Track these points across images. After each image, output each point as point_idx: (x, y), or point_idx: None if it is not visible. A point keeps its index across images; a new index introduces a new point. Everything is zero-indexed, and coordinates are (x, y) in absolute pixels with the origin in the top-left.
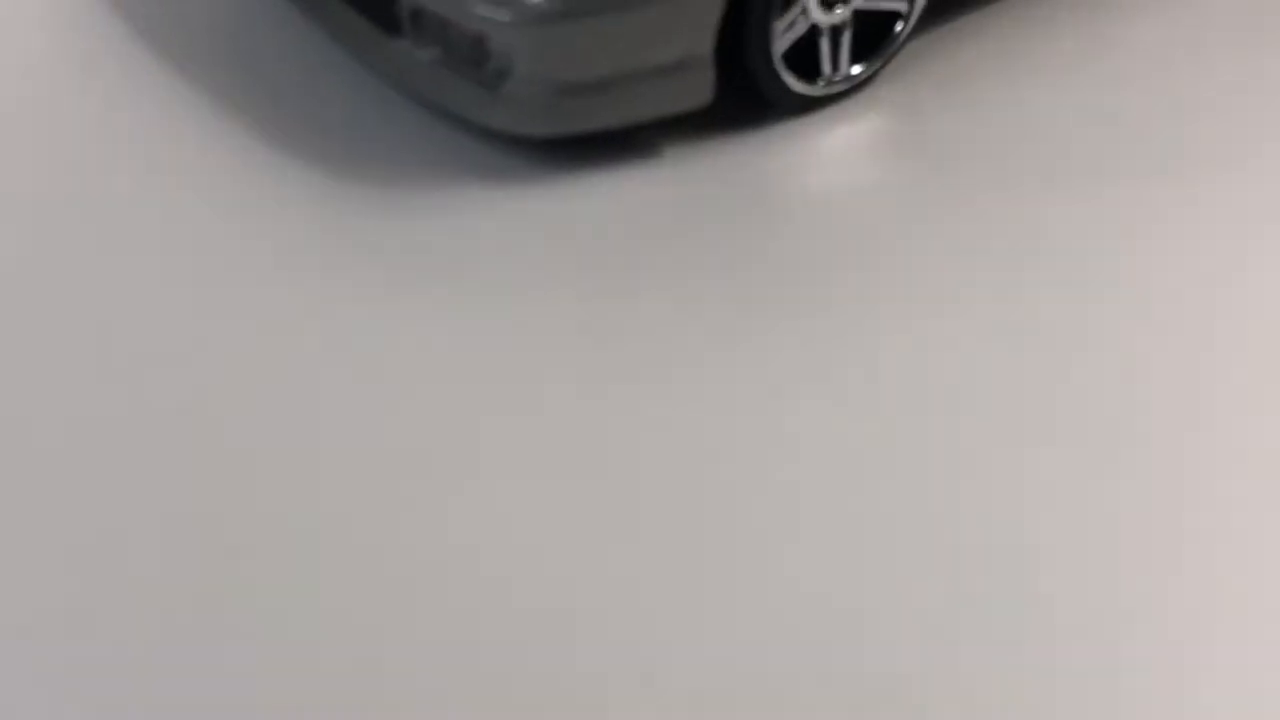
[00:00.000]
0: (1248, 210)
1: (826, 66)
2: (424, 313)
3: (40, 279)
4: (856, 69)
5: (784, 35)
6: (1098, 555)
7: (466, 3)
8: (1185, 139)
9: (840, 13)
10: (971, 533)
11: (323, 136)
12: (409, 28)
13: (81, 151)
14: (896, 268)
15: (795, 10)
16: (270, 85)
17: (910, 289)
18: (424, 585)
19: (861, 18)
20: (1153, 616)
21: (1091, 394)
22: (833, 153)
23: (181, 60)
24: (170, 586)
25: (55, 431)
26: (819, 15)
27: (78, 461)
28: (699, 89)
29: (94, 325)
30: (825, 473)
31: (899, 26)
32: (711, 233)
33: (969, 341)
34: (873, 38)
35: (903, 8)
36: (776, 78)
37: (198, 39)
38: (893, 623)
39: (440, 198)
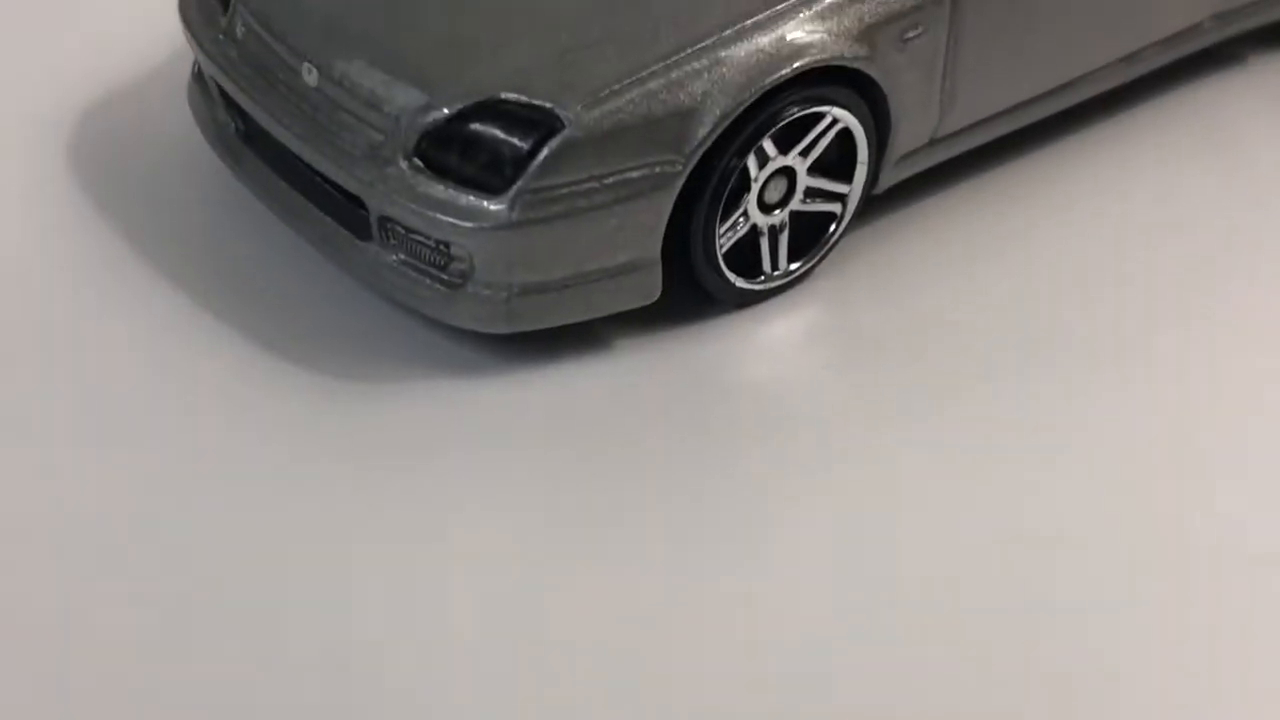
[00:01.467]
0: (1180, 389)
1: (767, 265)
2: (387, 500)
3: (24, 482)
4: (794, 265)
5: (726, 236)
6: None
7: (431, 211)
8: (1114, 324)
9: (779, 215)
10: None
11: (297, 332)
12: (377, 232)
13: (69, 355)
14: (833, 458)
15: (737, 214)
16: (249, 285)
17: (849, 480)
18: None
19: (798, 217)
20: None
21: (1037, 579)
22: (772, 345)
23: (164, 262)
24: None
25: (47, 624)
26: (759, 218)
27: (64, 651)
28: (647, 287)
29: (82, 513)
30: (765, 655)
31: (834, 226)
32: (660, 423)
33: (905, 533)
34: (809, 234)
35: (837, 209)
36: (720, 275)
37: (180, 243)
38: None
39: (406, 389)
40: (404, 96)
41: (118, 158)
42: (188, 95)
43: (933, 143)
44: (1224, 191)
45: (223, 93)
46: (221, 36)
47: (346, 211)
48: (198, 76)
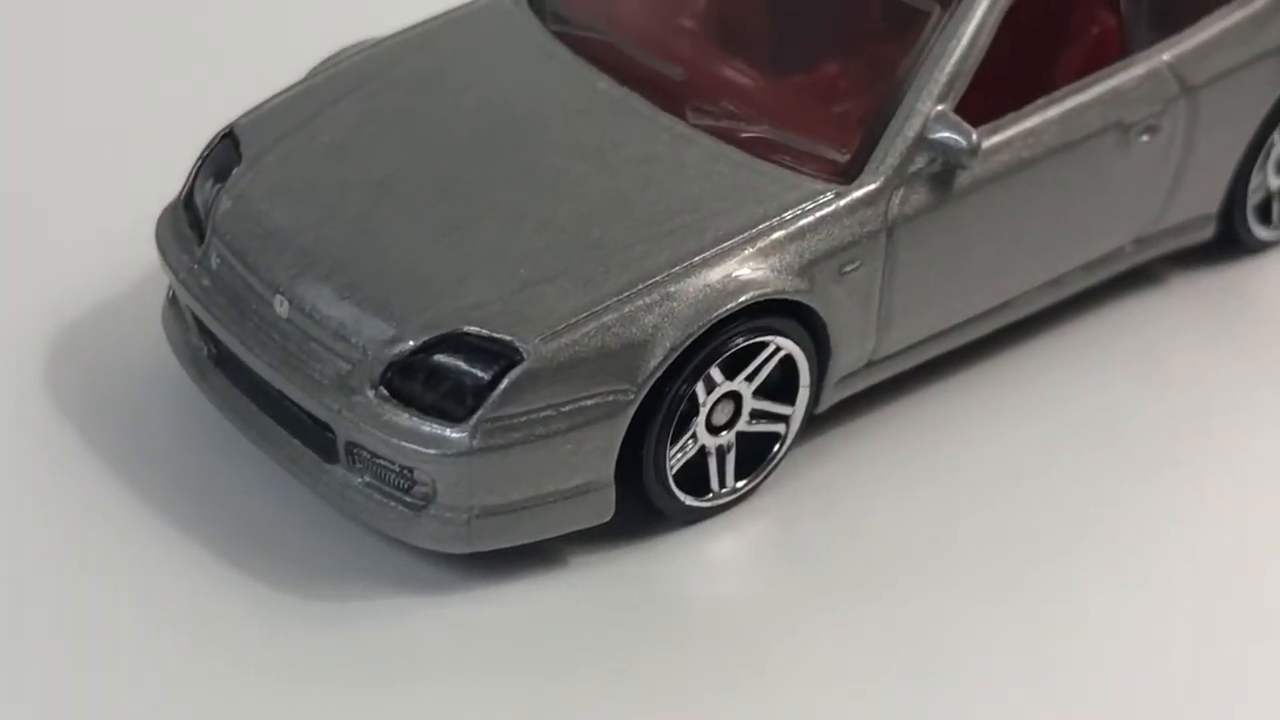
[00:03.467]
0: (1116, 602)
1: (715, 483)
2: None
3: None
4: (741, 483)
5: (676, 458)
6: None
7: (396, 438)
8: (1048, 539)
9: (726, 436)
10: None
11: (262, 550)
12: (344, 457)
13: (34, 571)
14: (778, 670)
15: (686, 436)
16: (216, 503)
17: (796, 700)
18: None
19: (744, 437)
20: None
21: None
22: (721, 561)
23: (133, 478)
24: None
25: None
26: (707, 439)
27: None
28: (601, 508)
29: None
30: None
31: (778, 446)
32: (613, 641)
33: None
34: (755, 453)
35: (781, 429)
36: (670, 494)
37: (149, 460)
38: None
39: (369, 609)
40: (371, 328)
41: (92, 377)
42: (162, 319)
43: (870, 365)
44: (1149, 408)
45: (196, 318)
46: (196, 266)
47: (314, 436)
48: (172, 301)
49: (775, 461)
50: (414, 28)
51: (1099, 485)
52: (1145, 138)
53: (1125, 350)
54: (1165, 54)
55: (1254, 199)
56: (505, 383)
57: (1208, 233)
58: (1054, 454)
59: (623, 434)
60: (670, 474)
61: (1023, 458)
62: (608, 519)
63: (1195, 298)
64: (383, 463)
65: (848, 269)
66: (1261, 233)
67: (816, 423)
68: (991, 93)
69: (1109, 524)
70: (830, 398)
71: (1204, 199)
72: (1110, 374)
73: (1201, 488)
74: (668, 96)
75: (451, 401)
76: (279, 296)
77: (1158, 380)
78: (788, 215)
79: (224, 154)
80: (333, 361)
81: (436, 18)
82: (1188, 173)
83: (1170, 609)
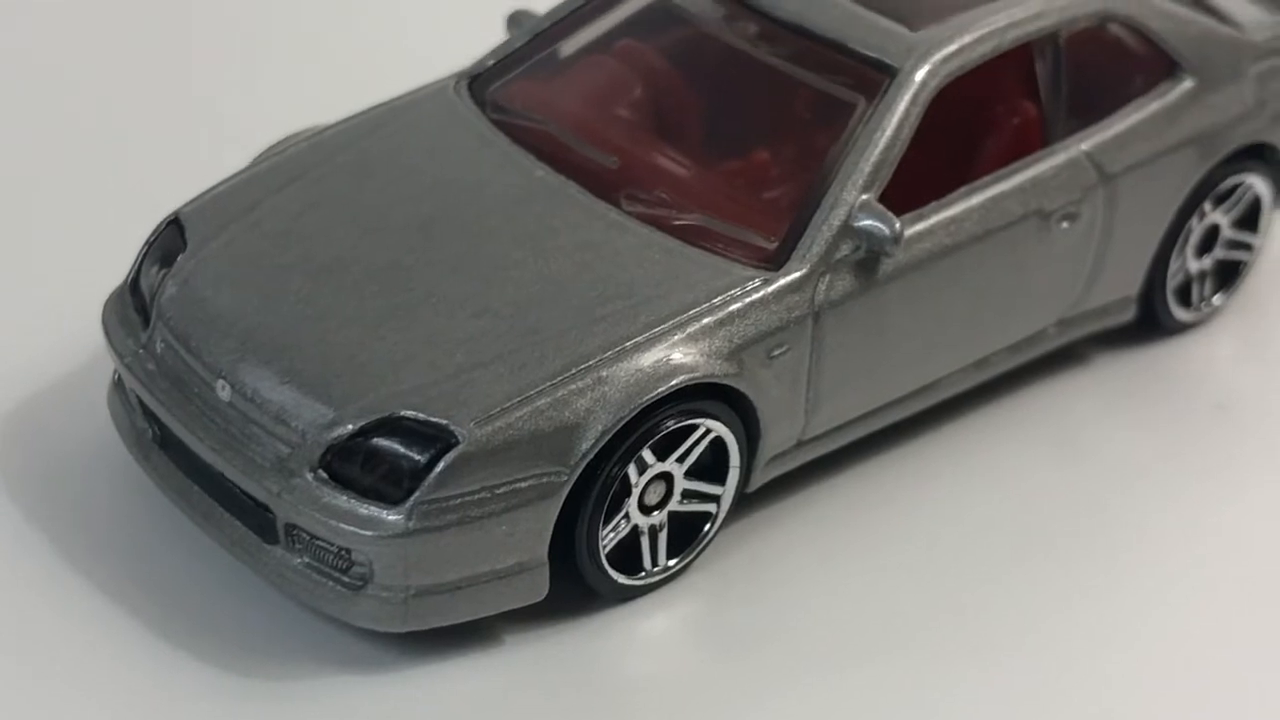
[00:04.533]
0: (1042, 682)
1: (647, 562)
2: None
3: None
4: (673, 561)
5: (609, 537)
6: None
7: (334, 520)
8: (974, 619)
9: (658, 515)
10: None
11: (200, 629)
12: (283, 538)
13: None
14: None
15: (619, 516)
16: (157, 583)
17: None
18: None
19: (676, 516)
20: None
21: None
22: (653, 640)
23: (76, 559)
24: None
25: None
26: (639, 519)
27: None
28: (535, 587)
29: None
30: None
31: (709, 525)
32: (546, 718)
33: None
34: (686, 532)
35: (712, 509)
36: (603, 573)
37: (93, 540)
38: None
39: (305, 689)
40: (311, 412)
41: (37, 458)
42: (108, 401)
43: (799, 445)
44: (1070, 490)
45: (141, 401)
46: (141, 350)
47: (254, 517)
48: (118, 384)
49: (707, 540)
50: (357, 116)
51: (1016, 569)
52: (1065, 224)
53: (1049, 430)
54: (1084, 143)
55: (1173, 282)
56: (441, 465)
57: (1129, 315)
58: (980, 533)
59: (556, 515)
60: (603, 553)
61: (951, 537)
62: (542, 598)
63: (1118, 377)
64: (321, 544)
65: (776, 353)
66: (1181, 314)
67: (747, 501)
68: (915, 182)
69: (1035, 604)
70: (760, 477)
71: (1124, 282)
72: (1035, 453)
73: (1128, 563)
74: (603, 184)
75: (388, 484)
76: (221, 380)
77: (1081, 461)
78: (717, 301)
79: (169, 240)
80: (273, 445)
81: (379, 106)
82: (1108, 258)
83: (1101, 689)
